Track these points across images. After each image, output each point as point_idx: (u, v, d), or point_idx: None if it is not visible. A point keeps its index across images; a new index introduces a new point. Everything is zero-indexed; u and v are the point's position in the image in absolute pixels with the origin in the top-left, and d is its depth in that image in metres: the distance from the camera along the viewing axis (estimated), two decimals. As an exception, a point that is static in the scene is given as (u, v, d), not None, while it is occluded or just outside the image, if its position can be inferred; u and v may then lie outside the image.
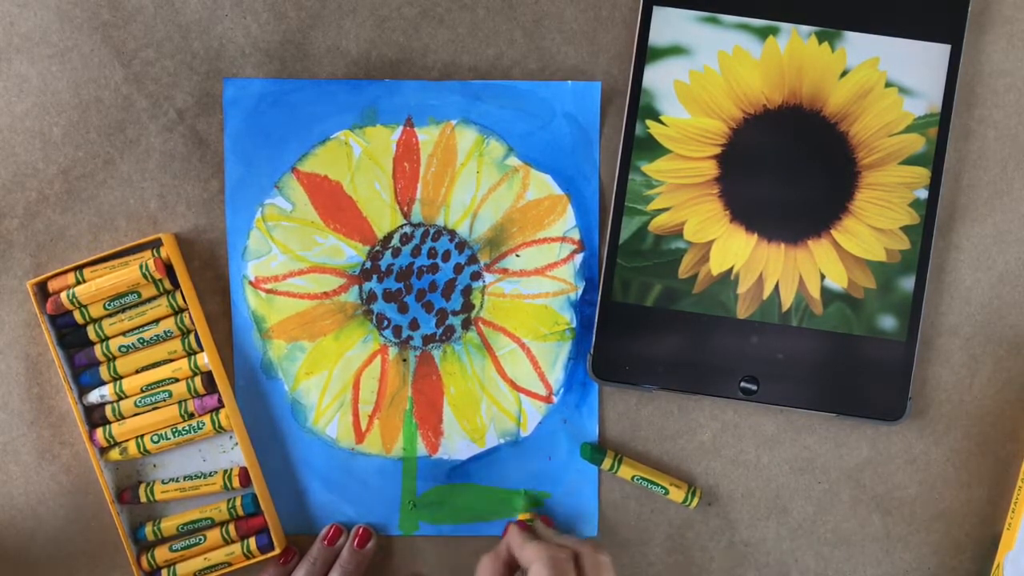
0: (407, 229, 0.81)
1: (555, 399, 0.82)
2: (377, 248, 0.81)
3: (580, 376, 0.82)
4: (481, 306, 0.81)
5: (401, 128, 0.81)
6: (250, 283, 0.82)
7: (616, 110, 0.81)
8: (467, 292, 0.81)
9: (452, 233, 0.81)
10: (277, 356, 0.82)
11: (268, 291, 0.82)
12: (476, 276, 0.81)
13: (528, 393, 0.82)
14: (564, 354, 0.82)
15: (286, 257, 0.81)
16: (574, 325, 0.81)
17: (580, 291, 0.81)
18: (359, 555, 0.81)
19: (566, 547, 0.73)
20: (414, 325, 0.82)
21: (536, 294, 0.81)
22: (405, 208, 0.81)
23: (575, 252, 0.81)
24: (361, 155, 0.81)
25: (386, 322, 0.82)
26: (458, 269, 0.81)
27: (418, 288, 0.82)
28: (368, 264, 0.81)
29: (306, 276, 0.81)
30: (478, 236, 0.81)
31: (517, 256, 0.81)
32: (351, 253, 0.81)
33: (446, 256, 0.81)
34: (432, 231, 0.81)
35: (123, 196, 0.81)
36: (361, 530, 0.82)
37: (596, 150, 0.81)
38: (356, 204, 0.81)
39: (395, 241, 0.81)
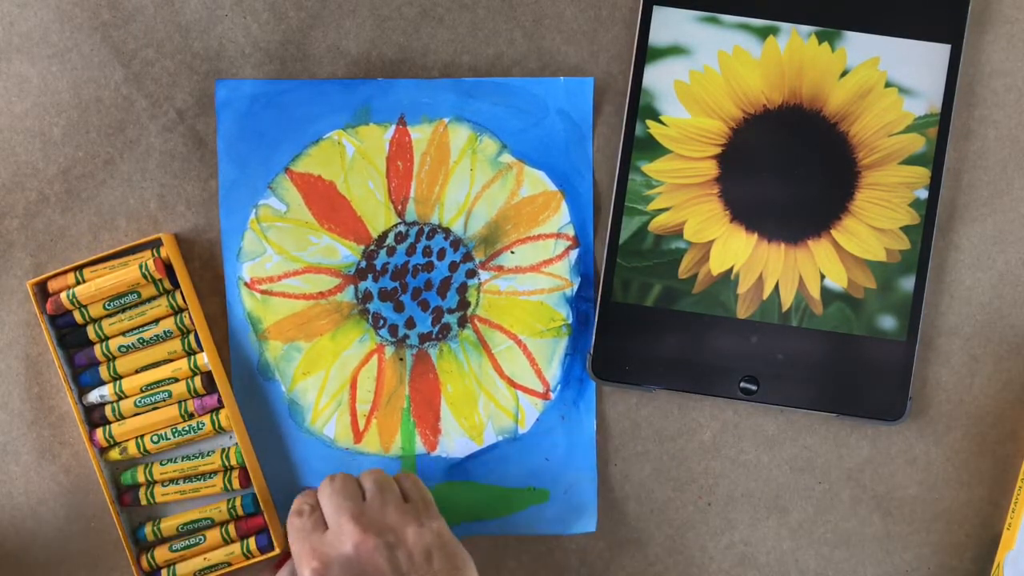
0: (401, 228, 0.81)
1: (552, 395, 0.82)
2: (372, 247, 0.81)
3: (577, 372, 0.82)
4: (477, 304, 0.81)
5: (394, 127, 0.81)
6: (245, 284, 0.82)
7: (616, 110, 0.81)
8: (463, 290, 0.81)
9: (447, 231, 0.81)
10: (274, 357, 0.82)
11: (263, 292, 0.82)
12: (471, 274, 0.81)
13: (525, 390, 0.82)
14: (561, 350, 0.82)
15: (281, 258, 0.81)
16: (570, 321, 0.81)
17: (575, 287, 0.81)
18: None
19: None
20: (410, 324, 0.82)
21: (531, 291, 0.81)
22: (399, 207, 0.81)
23: (570, 248, 0.81)
24: (354, 155, 0.81)
25: (382, 321, 0.82)
26: (453, 267, 0.81)
27: (413, 287, 0.82)
28: (363, 263, 0.81)
29: (301, 276, 0.82)
30: (473, 234, 0.81)
31: (512, 253, 0.81)
32: (346, 253, 0.81)
33: (441, 254, 0.81)
34: (427, 229, 0.81)
35: (123, 196, 0.82)
36: None
37: (590, 146, 0.81)
38: (350, 204, 0.81)
39: (390, 240, 0.81)
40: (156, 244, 0.81)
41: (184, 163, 0.82)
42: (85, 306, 0.80)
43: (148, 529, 0.82)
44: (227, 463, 0.81)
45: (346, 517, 0.72)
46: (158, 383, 0.81)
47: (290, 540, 0.73)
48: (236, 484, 0.81)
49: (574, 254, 0.81)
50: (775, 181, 0.79)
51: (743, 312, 0.80)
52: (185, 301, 0.80)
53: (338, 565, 0.70)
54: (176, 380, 0.81)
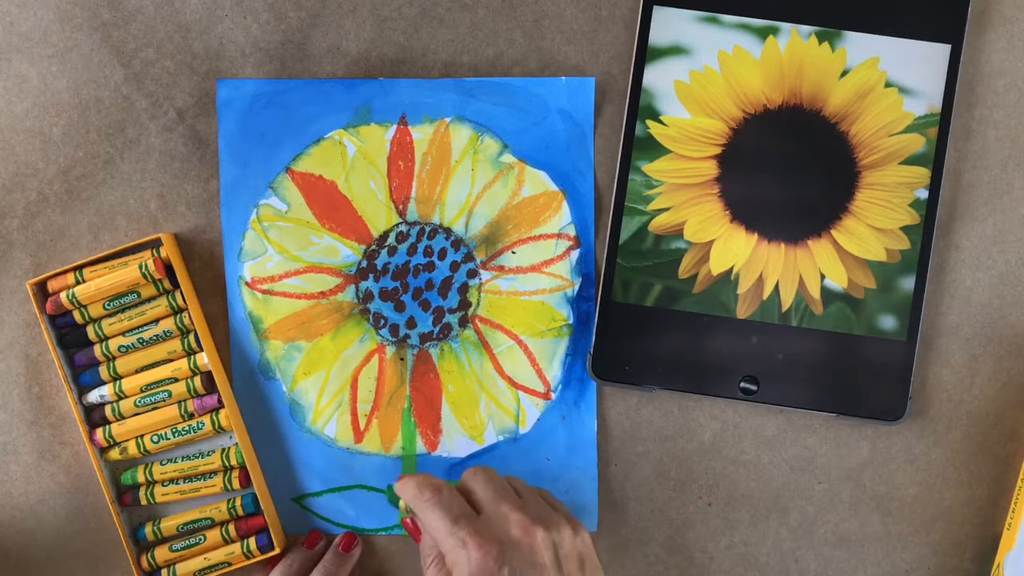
0: (403, 228, 0.81)
1: (553, 395, 0.82)
2: (373, 247, 0.81)
3: (578, 372, 0.82)
4: (478, 304, 0.82)
5: (395, 127, 0.81)
6: (246, 284, 0.82)
7: (616, 110, 0.81)
8: (464, 290, 0.81)
9: (448, 231, 0.81)
10: (275, 357, 0.82)
11: (264, 292, 0.82)
12: (472, 274, 0.81)
13: (526, 390, 0.82)
14: (561, 350, 0.82)
15: (282, 257, 0.81)
16: (571, 321, 0.81)
17: (577, 287, 0.81)
18: (343, 558, 0.81)
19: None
20: (411, 324, 0.82)
21: (533, 291, 0.81)
22: (400, 207, 0.81)
23: (571, 248, 0.81)
24: (355, 154, 0.81)
25: (383, 321, 0.82)
26: (454, 267, 0.81)
27: (415, 287, 0.82)
28: (364, 263, 0.81)
29: (302, 276, 0.82)
30: (474, 234, 0.81)
31: (513, 253, 0.81)
32: (347, 252, 0.81)
33: (442, 254, 0.81)
34: (428, 229, 0.81)
35: (123, 196, 0.82)
36: (347, 535, 0.82)
37: (591, 146, 0.81)
38: (351, 203, 0.81)
39: (391, 240, 0.81)
40: (156, 244, 0.81)
41: (184, 163, 0.82)
42: (85, 306, 0.80)
43: (148, 529, 0.82)
44: (227, 463, 0.81)
45: (509, 506, 0.70)
46: (158, 383, 0.81)
47: (428, 516, 0.70)
48: (236, 484, 0.81)
49: (575, 254, 0.81)
50: (775, 181, 0.79)
51: (743, 312, 0.80)
52: (185, 301, 0.80)
53: (510, 551, 0.68)
54: (176, 380, 0.81)
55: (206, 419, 0.81)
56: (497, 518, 0.70)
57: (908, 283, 0.79)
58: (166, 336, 0.80)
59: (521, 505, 0.71)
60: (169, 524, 0.81)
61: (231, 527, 0.81)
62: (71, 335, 0.81)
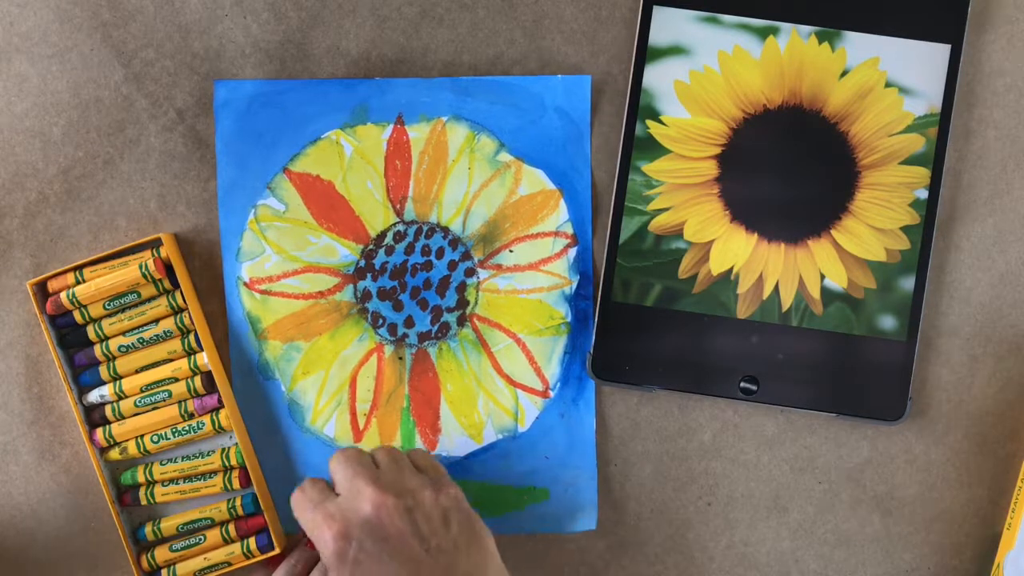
0: (400, 227, 0.81)
1: (552, 394, 0.82)
2: (371, 247, 0.81)
3: (576, 371, 0.82)
4: (476, 302, 0.81)
5: (392, 126, 0.81)
6: (244, 284, 0.82)
7: (616, 110, 0.81)
8: (461, 289, 0.81)
9: (445, 230, 0.81)
10: (273, 357, 0.82)
11: (263, 292, 0.82)
12: (470, 272, 0.81)
13: (525, 388, 0.82)
14: (560, 349, 0.82)
15: (280, 258, 0.81)
16: (569, 319, 0.81)
17: (574, 285, 0.81)
18: None
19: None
20: (409, 323, 0.82)
21: (530, 289, 0.81)
22: (398, 206, 0.81)
23: (568, 246, 0.81)
24: (352, 154, 0.81)
25: (381, 320, 0.82)
26: (452, 266, 0.81)
27: (412, 286, 0.82)
28: (362, 263, 0.81)
29: (300, 276, 0.82)
30: (471, 232, 0.81)
31: (511, 252, 0.81)
32: (345, 252, 0.81)
33: (440, 253, 0.81)
34: (425, 228, 0.81)
35: (123, 196, 0.82)
36: None
37: (588, 144, 0.81)
38: (349, 203, 0.81)
39: (388, 239, 0.81)
40: (156, 244, 0.81)
41: (184, 163, 0.82)
42: (85, 306, 0.80)
43: (148, 529, 0.81)
44: (227, 463, 0.81)
45: (363, 481, 0.71)
46: (158, 383, 0.81)
47: (298, 513, 0.72)
48: (236, 484, 0.81)
49: (573, 252, 0.81)
50: (775, 181, 0.79)
51: (743, 312, 0.80)
52: (185, 301, 0.80)
53: (359, 527, 0.69)
54: (176, 380, 0.81)
55: (206, 419, 0.81)
56: (351, 496, 0.71)
57: (908, 283, 0.79)
58: (166, 336, 0.80)
59: (375, 478, 0.71)
60: (169, 524, 0.81)
61: (231, 527, 0.81)
62: (71, 335, 0.81)
